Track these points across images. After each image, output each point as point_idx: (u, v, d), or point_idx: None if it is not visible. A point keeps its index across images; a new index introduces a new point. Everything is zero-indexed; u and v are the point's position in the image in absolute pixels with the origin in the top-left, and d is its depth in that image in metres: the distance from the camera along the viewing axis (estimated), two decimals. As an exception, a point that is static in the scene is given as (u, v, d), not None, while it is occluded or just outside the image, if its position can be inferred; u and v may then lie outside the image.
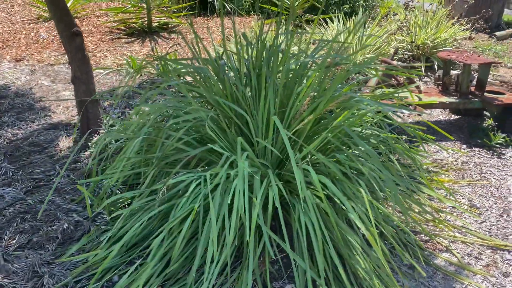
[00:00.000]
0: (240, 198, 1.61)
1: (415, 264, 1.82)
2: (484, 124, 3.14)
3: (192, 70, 2.05)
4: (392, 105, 1.92)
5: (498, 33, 5.52)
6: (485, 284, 1.82)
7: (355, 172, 1.97)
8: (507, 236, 2.10)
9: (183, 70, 2.15)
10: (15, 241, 2.00)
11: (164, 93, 2.23)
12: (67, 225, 2.10)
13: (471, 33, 4.48)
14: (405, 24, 4.02)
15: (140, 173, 2.23)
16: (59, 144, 2.83)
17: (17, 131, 3.03)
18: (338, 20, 4.37)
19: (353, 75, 3.41)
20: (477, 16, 4.66)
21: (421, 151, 2.49)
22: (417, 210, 2.22)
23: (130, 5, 5.80)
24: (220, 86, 2.01)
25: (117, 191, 2.28)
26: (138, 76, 4.19)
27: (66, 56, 4.79)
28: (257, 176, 1.77)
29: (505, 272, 1.89)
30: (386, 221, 1.91)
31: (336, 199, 1.76)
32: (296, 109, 2.00)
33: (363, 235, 1.89)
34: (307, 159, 1.99)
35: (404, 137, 2.49)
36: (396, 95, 2.14)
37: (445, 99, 3.01)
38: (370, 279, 1.66)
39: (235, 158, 1.81)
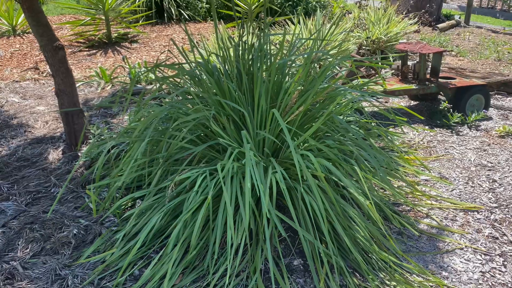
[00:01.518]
0: (254, 180, 1.78)
1: (409, 227, 2.07)
2: (440, 107, 3.50)
3: (189, 74, 2.20)
4: (372, 93, 2.17)
5: (440, 25, 6.02)
6: (463, 240, 2.11)
7: (344, 154, 2.20)
8: (475, 199, 2.41)
9: (181, 75, 2.29)
10: (28, 249, 2.06)
11: (160, 97, 2.36)
12: (77, 230, 2.18)
13: (419, 26, 4.89)
14: (362, 21, 4.35)
15: (142, 175, 2.35)
16: (48, 156, 2.87)
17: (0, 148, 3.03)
18: (298, 21, 4.64)
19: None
20: (423, 10, 5.10)
21: (395, 134, 2.78)
22: (396, 185, 2.49)
23: (90, 18, 5.79)
24: (217, 86, 2.17)
25: (118, 194, 2.38)
26: (110, 86, 4.24)
27: (29, 72, 4.75)
28: (261, 164, 1.96)
29: (478, 229, 2.18)
30: (374, 194, 2.15)
31: (333, 178, 1.98)
32: (286, 103, 2.20)
33: (359, 208, 2.11)
34: (300, 147, 2.20)
35: (375, 121, 2.77)
36: (371, 84, 2.40)
37: (406, 86, 3.33)
38: (370, 245, 1.89)
39: (239, 150, 1.99)
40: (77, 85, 4.22)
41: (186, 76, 2.25)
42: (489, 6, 7.68)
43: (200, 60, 2.37)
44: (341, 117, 2.36)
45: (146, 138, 2.05)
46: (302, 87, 2.22)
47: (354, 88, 2.22)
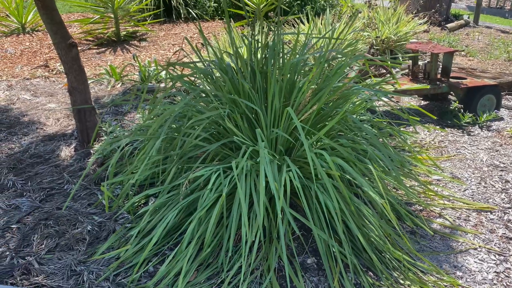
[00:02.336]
0: (269, 178, 1.79)
1: (423, 227, 2.07)
2: (451, 107, 3.49)
3: (204, 72, 2.20)
4: (385, 92, 2.17)
5: (449, 25, 6.00)
6: (476, 240, 2.11)
7: (357, 153, 2.21)
8: (487, 199, 2.41)
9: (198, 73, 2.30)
10: (43, 245, 2.08)
11: (171, 95, 2.37)
12: (91, 227, 2.19)
13: (428, 26, 4.88)
14: (373, 21, 4.34)
15: (156, 173, 2.37)
16: (60, 154, 2.89)
17: (12, 145, 3.05)
18: (307, 20, 4.64)
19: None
20: (433, 10, 5.08)
21: (407, 133, 2.78)
22: (408, 185, 2.49)
23: (99, 16, 5.82)
24: (231, 85, 2.18)
25: (131, 191, 2.39)
26: (120, 84, 4.26)
27: (40, 69, 4.78)
28: (274, 162, 1.96)
29: (491, 229, 2.18)
30: (387, 194, 2.15)
31: (347, 177, 1.98)
32: (299, 101, 2.20)
33: (372, 206, 2.11)
34: (314, 145, 2.21)
35: (387, 120, 2.77)
36: (384, 84, 2.40)
37: (418, 86, 3.32)
38: (384, 244, 1.90)
39: (253, 148, 1.99)
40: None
41: (200, 75, 2.25)
42: (497, 6, 7.64)
43: (214, 59, 2.38)
44: (354, 116, 2.36)
45: (161, 135, 2.06)
46: (316, 86, 2.22)
47: (368, 87, 2.22)
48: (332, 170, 1.83)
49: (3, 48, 5.52)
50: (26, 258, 2.00)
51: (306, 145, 1.84)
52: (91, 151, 2.90)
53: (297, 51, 2.35)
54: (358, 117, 2.37)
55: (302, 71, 2.44)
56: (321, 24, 4.40)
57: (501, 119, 3.40)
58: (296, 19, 5.32)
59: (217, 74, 2.34)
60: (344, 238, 1.81)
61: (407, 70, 3.68)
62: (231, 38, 2.22)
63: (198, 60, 2.41)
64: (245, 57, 2.32)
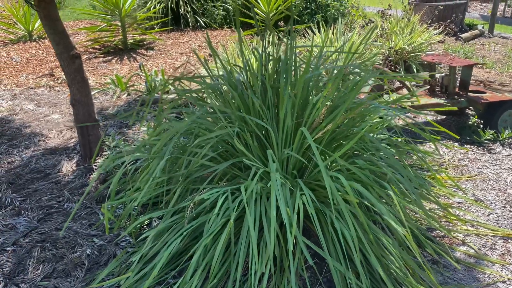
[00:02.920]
0: (281, 207, 1.65)
1: (446, 256, 1.92)
2: (469, 122, 3.33)
3: (212, 87, 2.08)
4: (405, 110, 2.03)
5: (463, 35, 5.85)
6: (504, 272, 1.94)
7: (374, 175, 2.06)
8: (514, 225, 2.25)
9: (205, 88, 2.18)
10: (39, 271, 1.95)
11: (177, 106, 2.24)
12: (90, 251, 2.06)
13: (444, 37, 4.73)
14: (386, 31, 4.21)
15: (160, 192, 2.24)
16: (61, 169, 2.78)
17: (12, 158, 2.94)
18: (318, 30, 4.51)
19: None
20: (448, 20, 4.94)
21: (428, 153, 2.62)
22: (427, 207, 2.34)
23: (106, 24, 5.74)
24: (240, 101, 2.05)
25: (134, 211, 2.27)
26: (125, 95, 4.15)
27: (45, 78, 4.69)
28: (286, 185, 1.83)
29: (520, 259, 2.02)
30: (408, 220, 2.00)
31: (364, 202, 1.84)
32: (312, 119, 2.07)
33: (390, 232, 1.96)
34: (328, 166, 2.06)
35: (405, 138, 2.62)
36: (404, 100, 2.25)
37: (435, 100, 3.17)
38: (406, 276, 1.74)
39: (263, 169, 1.86)
40: (92, 93, 4.14)
41: (208, 90, 2.13)
42: (512, 15, 7.48)
43: (222, 71, 2.26)
44: (371, 134, 2.21)
45: (165, 155, 1.93)
46: (331, 103, 2.09)
47: (386, 104, 2.08)
48: (350, 196, 1.69)
49: (9, 56, 5.45)
50: (20, 285, 1.87)
51: (322, 169, 1.70)
52: (94, 166, 2.78)
53: (310, 65, 2.22)
54: (375, 135, 2.22)
55: (316, 86, 2.31)
56: (333, 34, 4.27)
57: (523, 136, 3.24)
58: (306, 28, 5.20)
59: (225, 88, 2.21)
60: (362, 270, 1.66)
61: (422, 83, 3.54)
62: (242, 51, 2.10)
63: (205, 73, 2.29)
64: (254, 67, 2.19)
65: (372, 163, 2.04)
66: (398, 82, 3.37)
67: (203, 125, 2.09)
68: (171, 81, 2.14)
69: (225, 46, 5.57)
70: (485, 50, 5.52)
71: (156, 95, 4.04)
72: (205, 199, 1.93)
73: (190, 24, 6.76)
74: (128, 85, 4.25)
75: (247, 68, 2.20)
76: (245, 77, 2.31)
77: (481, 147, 3.05)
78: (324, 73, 2.95)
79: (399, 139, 2.62)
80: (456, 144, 3.10)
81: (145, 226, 2.26)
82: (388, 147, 2.24)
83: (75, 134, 3.27)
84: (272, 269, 1.74)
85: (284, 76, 2.12)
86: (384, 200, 1.94)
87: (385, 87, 3.22)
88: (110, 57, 5.44)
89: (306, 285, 1.85)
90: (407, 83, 3.11)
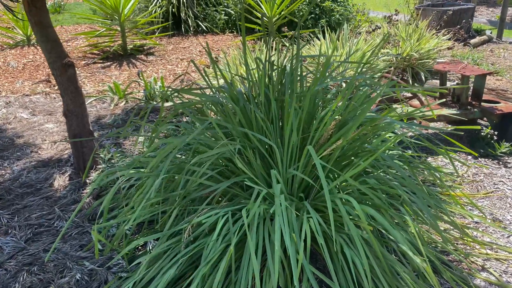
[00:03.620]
0: (284, 236, 1.50)
1: (463, 286, 1.76)
2: (482, 133, 3.18)
3: (212, 101, 1.93)
4: (418, 125, 1.88)
5: (472, 41, 5.69)
6: (529, 302, 1.79)
7: (386, 194, 1.91)
8: (537, 248, 2.08)
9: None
10: (24, 299, 1.80)
11: (177, 124, 2.10)
12: (80, 276, 1.91)
13: (453, 43, 4.58)
14: (395, 37, 4.06)
15: (156, 211, 2.09)
16: (53, 183, 2.63)
17: (3, 171, 2.80)
18: (323, 35, 4.37)
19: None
20: (458, 26, 4.79)
21: (442, 170, 2.47)
22: (442, 228, 2.18)
23: (105, 29, 5.61)
24: (242, 115, 1.90)
25: (128, 231, 2.12)
26: (123, 103, 4.01)
27: (41, 85, 4.56)
28: (291, 208, 1.67)
29: (545, 288, 1.86)
30: (424, 244, 1.84)
31: (376, 227, 1.68)
32: (320, 135, 1.92)
33: (403, 256, 1.81)
34: (337, 186, 1.91)
35: (419, 154, 2.47)
36: (418, 112, 2.10)
37: (447, 111, 3.02)
38: (424, 311, 1.59)
39: (266, 191, 1.71)
40: (89, 100, 4.00)
41: (208, 104, 1.98)
42: (520, 20, 7.31)
43: (222, 82, 2.11)
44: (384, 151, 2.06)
45: (161, 174, 1.78)
46: (340, 117, 1.94)
47: (399, 119, 1.93)
48: (363, 222, 1.54)
49: (5, 61, 5.33)
50: (2, 315, 1.73)
51: (327, 195, 1.54)
52: (87, 180, 2.64)
53: (317, 75, 2.07)
54: (387, 152, 2.07)
55: (323, 98, 2.16)
56: (338, 40, 4.12)
57: (540, 148, 3.07)
58: (310, 33, 5.05)
59: (225, 101, 2.07)
60: (375, 304, 1.51)
61: (437, 94, 3.38)
62: (246, 62, 1.95)
63: (204, 84, 2.14)
64: (256, 77, 2.04)
65: (384, 182, 1.88)
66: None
67: (201, 141, 1.94)
68: (169, 93, 2.00)
69: (225, 52, 5.43)
70: (495, 57, 5.36)
71: (154, 102, 3.89)
72: (203, 222, 1.78)
73: (191, 29, 6.62)
74: (126, 93, 4.11)
75: (250, 78, 2.06)
76: (247, 88, 2.16)
77: (496, 161, 2.89)
78: (330, 85, 2.80)
79: (410, 153, 2.46)
80: (469, 157, 2.94)
81: (139, 248, 2.11)
82: (401, 163, 2.09)
83: (68, 145, 3.12)
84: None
85: (289, 87, 1.98)
86: (396, 221, 1.79)
87: (396, 98, 3.07)
88: (109, 63, 5.31)
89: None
90: (420, 95, 2.96)
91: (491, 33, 6.36)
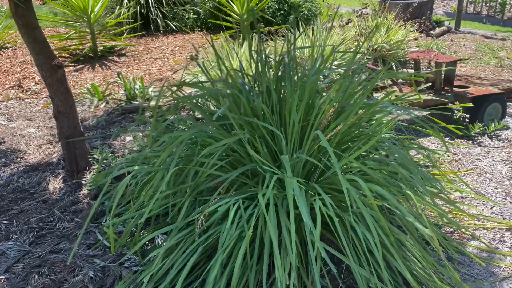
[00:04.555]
0: (303, 214, 1.58)
1: (475, 258, 1.91)
2: (455, 116, 3.39)
3: (216, 93, 1.99)
4: (411, 108, 2.02)
5: (433, 32, 5.99)
6: (518, 264, 1.96)
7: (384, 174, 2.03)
8: (517, 216, 2.28)
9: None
10: (39, 300, 1.80)
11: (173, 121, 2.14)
12: (93, 273, 1.93)
13: (420, 34, 4.82)
14: (368, 28, 4.23)
15: (163, 206, 2.12)
16: (47, 186, 2.60)
17: (-10, 178, 2.73)
18: (294, 31, 4.49)
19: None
20: (424, 17, 5.04)
21: (434, 151, 2.63)
22: (431, 202, 2.34)
23: (74, 31, 5.50)
24: (248, 106, 1.97)
25: (134, 229, 2.14)
26: (103, 104, 3.98)
27: (12, 90, 4.44)
28: (303, 191, 1.76)
29: (529, 250, 2.04)
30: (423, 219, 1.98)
31: (382, 204, 1.80)
32: (319, 122, 2.02)
33: (404, 232, 1.94)
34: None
35: (410, 137, 2.62)
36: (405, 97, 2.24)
37: (424, 97, 3.20)
38: (430, 277, 1.72)
39: (278, 175, 1.79)
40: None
41: (208, 95, 2.04)
42: (474, 11, 7.74)
43: (211, 76, 2.17)
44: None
45: (171, 167, 1.83)
46: (337, 104, 2.04)
47: (394, 104, 2.06)
48: (370, 198, 1.65)
49: (-30, 68, 5.12)
50: (20, 317, 1.72)
51: (339, 171, 1.65)
52: (82, 181, 2.62)
53: (316, 65, 2.17)
54: (383, 135, 2.20)
55: (319, 88, 2.26)
56: (312, 35, 4.26)
57: (508, 128, 3.32)
58: (283, 29, 5.17)
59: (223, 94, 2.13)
60: (386, 274, 1.62)
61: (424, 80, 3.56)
62: (251, 55, 2.02)
63: (188, 79, 2.19)
64: (253, 69, 2.12)
65: (383, 163, 2.01)
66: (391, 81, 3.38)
67: (206, 134, 2.00)
68: (167, 88, 2.04)
69: (199, 49, 5.46)
70: (456, 46, 5.67)
71: (135, 102, 3.88)
72: (215, 211, 1.85)
73: (161, 29, 6.59)
74: (105, 94, 4.07)
75: (251, 71, 2.13)
76: (242, 80, 2.23)
77: (471, 141, 3.10)
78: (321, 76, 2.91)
79: (408, 138, 2.61)
80: (447, 138, 3.13)
81: (147, 243, 2.14)
82: (396, 145, 2.22)
83: (56, 149, 3.08)
84: (296, 279, 1.67)
85: (289, 79, 2.07)
86: (399, 200, 1.92)
87: (377, 86, 3.22)
88: (80, 66, 5.21)
89: (327, 293, 1.79)
90: (399, 83, 3.12)
91: (449, 24, 6.71)
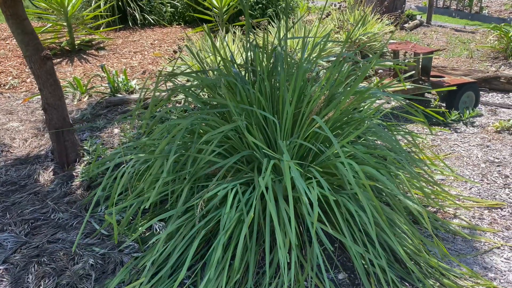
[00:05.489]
0: (302, 195, 1.67)
1: (463, 233, 2.04)
2: (431, 105, 3.55)
3: (211, 82, 2.04)
4: (398, 95, 2.12)
5: (407, 25, 6.19)
6: (497, 239, 2.11)
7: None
8: (494, 196, 2.43)
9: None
10: (42, 287, 1.82)
11: (172, 110, 2.18)
12: (93, 260, 1.96)
13: (395, 27, 4.98)
14: (347, 21, 4.35)
15: (161, 194, 2.17)
16: (38, 178, 2.59)
17: (-23, 172, 2.70)
18: (273, 24, 4.56)
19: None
20: (399, 11, 5.20)
21: (417, 135, 2.76)
22: (417, 185, 2.47)
23: (51, 24, 5.40)
24: (245, 94, 2.03)
25: (132, 217, 2.17)
26: (86, 97, 3.95)
27: (-10, 85, 4.34)
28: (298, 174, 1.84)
29: (506, 226, 2.19)
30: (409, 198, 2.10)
31: (375, 185, 1.90)
32: (310, 109, 2.10)
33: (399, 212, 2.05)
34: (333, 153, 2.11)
35: (396, 123, 2.74)
36: (389, 86, 2.35)
37: (403, 87, 3.34)
38: (419, 252, 1.84)
39: (275, 160, 1.86)
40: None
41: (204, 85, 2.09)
42: (444, 6, 8.02)
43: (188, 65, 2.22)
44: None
45: (171, 154, 1.87)
46: (328, 92, 2.13)
47: (382, 90, 2.16)
48: (363, 179, 1.75)
49: None
50: (24, 304, 1.74)
51: (341, 153, 1.74)
52: (73, 173, 2.63)
53: (303, 55, 2.25)
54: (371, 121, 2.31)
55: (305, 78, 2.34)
56: (293, 28, 4.34)
57: (481, 115, 3.50)
58: (261, 23, 5.23)
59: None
60: (381, 250, 1.73)
61: (388, 70, 3.70)
62: (245, 46, 2.08)
63: (176, 69, 2.24)
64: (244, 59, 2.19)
65: (372, 146, 2.11)
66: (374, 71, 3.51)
67: (204, 121, 2.05)
68: (163, 78, 2.08)
69: (180, 42, 5.46)
70: (428, 38, 5.88)
71: (119, 95, 3.87)
72: (213, 196, 1.91)
73: (139, 22, 6.54)
74: (88, 88, 4.05)
75: (248, 61, 2.19)
76: (236, 70, 2.29)
77: (448, 128, 3.26)
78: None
79: (394, 124, 2.73)
80: (424, 126, 3.28)
81: (145, 231, 2.18)
82: (384, 130, 2.34)
83: (42, 142, 3.06)
84: (296, 257, 1.75)
85: (282, 68, 2.14)
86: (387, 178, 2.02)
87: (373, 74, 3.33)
88: (59, 60, 5.13)
89: (322, 271, 1.88)
90: (380, 72, 3.25)
91: (421, 17, 6.93)
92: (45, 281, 1.85)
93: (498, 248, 2.04)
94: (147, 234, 2.16)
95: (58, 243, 2.07)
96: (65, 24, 5.41)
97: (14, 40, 5.83)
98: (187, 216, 1.95)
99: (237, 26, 5.56)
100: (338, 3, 4.78)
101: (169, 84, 3.46)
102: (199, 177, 2.08)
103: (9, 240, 2.09)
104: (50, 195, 2.44)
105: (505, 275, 1.88)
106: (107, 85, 4.01)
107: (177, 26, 6.75)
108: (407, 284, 1.83)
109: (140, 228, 1.92)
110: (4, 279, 1.86)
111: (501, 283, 1.84)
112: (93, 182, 2.51)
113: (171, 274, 1.87)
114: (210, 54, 3.85)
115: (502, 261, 1.96)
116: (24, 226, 2.19)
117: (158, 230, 2.14)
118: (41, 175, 2.62)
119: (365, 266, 1.85)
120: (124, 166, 1.98)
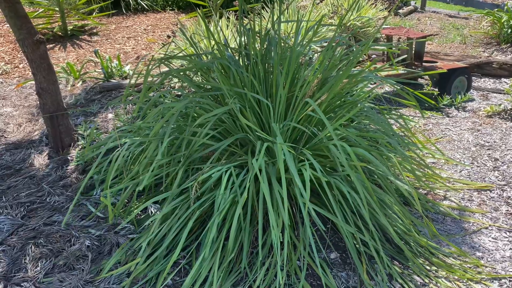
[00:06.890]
0: (295, 177, 1.70)
1: (452, 214, 2.08)
2: (424, 90, 3.58)
3: (204, 66, 2.05)
4: (392, 79, 2.15)
5: (401, 11, 6.19)
6: (485, 219, 2.16)
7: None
8: (484, 178, 2.48)
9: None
10: (39, 268, 1.85)
11: (165, 94, 2.20)
12: (89, 242, 1.98)
13: (390, 13, 4.99)
14: (341, 6, 4.34)
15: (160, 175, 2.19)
16: (33, 163, 2.60)
17: (-29, 156, 2.71)
18: (267, 9, 4.55)
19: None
20: (394, -4, 5.21)
21: (408, 119, 2.79)
22: (409, 168, 2.51)
23: (43, 9, 5.34)
24: (239, 78, 2.04)
25: (127, 200, 2.20)
26: (80, 83, 3.94)
27: (-18, 70, 4.31)
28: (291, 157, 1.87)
29: (494, 207, 2.24)
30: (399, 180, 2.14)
31: (366, 166, 1.94)
32: (304, 92, 2.12)
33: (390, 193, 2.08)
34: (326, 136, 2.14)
35: (388, 107, 2.77)
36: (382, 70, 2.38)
37: (395, 71, 3.36)
38: (409, 231, 1.88)
39: (269, 143, 1.89)
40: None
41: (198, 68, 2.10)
42: (438, -9, 8.01)
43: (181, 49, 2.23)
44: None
45: (166, 137, 1.89)
46: (321, 75, 2.15)
47: (375, 74, 2.18)
48: (355, 161, 1.78)
49: None
50: (22, 284, 1.77)
51: (334, 135, 1.76)
52: (68, 157, 2.64)
53: (296, 39, 2.26)
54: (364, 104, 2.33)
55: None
56: (287, 13, 4.33)
57: (473, 100, 3.54)
58: (254, 8, 5.21)
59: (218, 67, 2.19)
60: (373, 229, 1.77)
61: (381, 55, 3.72)
62: (240, 31, 2.09)
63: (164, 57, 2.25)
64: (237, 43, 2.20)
65: (364, 130, 2.14)
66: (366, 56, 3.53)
67: (198, 104, 2.07)
68: (157, 62, 2.08)
69: (174, 28, 5.43)
70: (422, 24, 5.89)
71: (113, 80, 3.87)
72: (207, 179, 1.93)
73: (132, 8, 6.48)
74: (81, 73, 4.03)
75: (242, 45, 2.20)
76: (231, 53, 2.30)
77: (440, 112, 3.30)
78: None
79: (386, 108, 2.76)
80: (417, 111, 3.31)
81: (140, 213, 2.21)
82: (377, 114, 2.36)
83: (36, 127, 3.06)
84: (288, 237, 1.79)
85: (276, 52, 2.15)
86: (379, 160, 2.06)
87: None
88: (51, 45, 5.09)
89: (313, 251, 1.92)
90: (374, 57, 3.26)
91: (415, 3, 6.93)
92: (42, 261, 1.88)
93: (486, 228, 2.09)
94: (142, 216, 2.19)
95: (54, 225, 2.10)
96: (57, 9, 5.35)
97: (6, 25, 5.76)
98: (182, 198, 1.98)
99: (231, 12, 5.54)
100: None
101: (164, 69, 3.46)
102: (193, 160, 2.11)
103: (6, 223, 2.11)
104: (46, 179, 2.45)
105: (492, 254, 1.93)
106: (100, 70, 4.00)
107: (171, 12, 6.70)
108: (397, 263, 1.88)
109: (135, 210, 1.95)
110: (2, 260, 1.89)
111: (488, 261, 1.89)
112: (88, 166, 2.52)
113: (166, 254, 1.90)
114: (203, 38, 3.84)
115: (489, 241, 2.01)
116: (20, 209, 2.21)
117: (154, 212, 2.17)
118: (36, 160, 2.63)
119: (357, 245, 1.89)
120: (118, 150, 2.00)
